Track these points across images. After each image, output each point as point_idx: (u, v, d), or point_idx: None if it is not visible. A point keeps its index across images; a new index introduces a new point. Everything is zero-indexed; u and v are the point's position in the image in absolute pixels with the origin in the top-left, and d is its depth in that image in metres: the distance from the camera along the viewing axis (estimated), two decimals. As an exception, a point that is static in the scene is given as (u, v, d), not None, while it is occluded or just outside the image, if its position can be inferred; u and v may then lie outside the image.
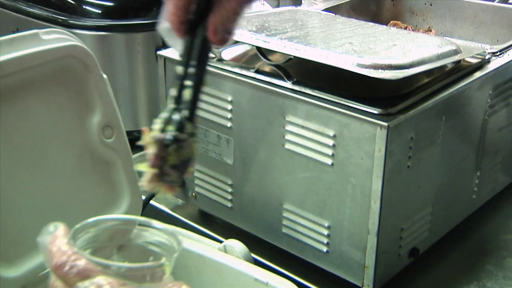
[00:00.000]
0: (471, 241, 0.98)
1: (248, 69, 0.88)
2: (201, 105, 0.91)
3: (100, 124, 0.75)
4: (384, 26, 1.07)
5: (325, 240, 0.84)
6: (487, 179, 0.99)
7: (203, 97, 0.90)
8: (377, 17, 1.25)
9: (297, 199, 0.86)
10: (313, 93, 0.81)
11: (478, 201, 0.99)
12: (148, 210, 0.95)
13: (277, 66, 0.87)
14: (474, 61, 0.91)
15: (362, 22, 1.00)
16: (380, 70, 0.77)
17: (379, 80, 0.77)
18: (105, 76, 0.76)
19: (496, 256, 0.94)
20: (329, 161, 0.80)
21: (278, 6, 1.66)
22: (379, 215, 0.77)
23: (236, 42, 0.92)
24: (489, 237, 0.98)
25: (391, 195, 0.78)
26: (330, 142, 0.79)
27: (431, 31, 1.22)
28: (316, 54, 0.81)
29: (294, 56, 0.84)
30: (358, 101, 0.78)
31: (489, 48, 0.95)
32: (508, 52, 0.95)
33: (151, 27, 1.16)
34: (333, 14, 1.06)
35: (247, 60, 0.93)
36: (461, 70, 0.89)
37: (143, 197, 0.92)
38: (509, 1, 1.25)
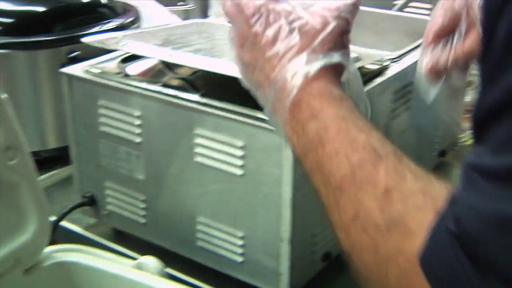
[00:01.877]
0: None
1: (155, 83, 0.87)
2: (109, 121, 0.90)
3: (2, 146, 0.73)
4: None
5: (240, 250, 0.85)
6: (393, 180, 1.03)
7: (110, 113, 0.90)
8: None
9: (210, 211, 0.86)
10: (220, 105, 0.81)
11: (386, 202, 1.03)
12: (59, 231, 0.93)
13: (184, 79, 0.87)
14: (374, 67, 0.94)
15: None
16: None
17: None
18: (4, 96, 0.73)
19: (405, 254, 0.97)
20: (239, 171, 0.81)
21: (187, 18, 1.66)
22: (291, 223, 0.79)
23: (142, 57, 0.92)
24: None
25: (302, 202, 0.80)
26: (239, 153, 0.80)
27: (335, 39, 1.26)
28: (222, 66, 0.82)
29: (200, 69, 0.84)
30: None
31: (388, 55, 0.98)
32: (406, 58, 0.99)
33: (55, 43, 1.13)
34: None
35: (154, 74, 0.93)
36: (362, 76, 0.92)
37: (53, 218, 0.90)
38: (405, 10, 1.31)
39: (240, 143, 0.80)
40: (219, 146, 0.82)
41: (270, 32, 0.53)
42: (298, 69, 0.52)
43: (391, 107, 0.95)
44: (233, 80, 0.81)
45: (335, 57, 0.53)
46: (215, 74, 0.82)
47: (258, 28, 0.54)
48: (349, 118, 0.50)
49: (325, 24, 0.54)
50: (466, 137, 1.23)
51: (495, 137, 0.37)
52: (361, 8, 1.33)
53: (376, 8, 1.30)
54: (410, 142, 1.05)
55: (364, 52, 0.96)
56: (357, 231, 0.45)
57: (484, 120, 0.38)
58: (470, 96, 1.23)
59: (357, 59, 0.89)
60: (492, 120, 0.37)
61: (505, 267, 0.36)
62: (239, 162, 0.80)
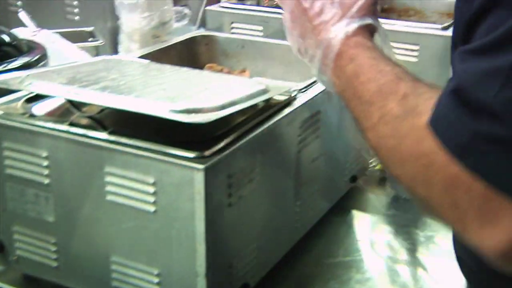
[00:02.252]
0: (298, 268, 1.02)
1: (62, 123, 0.86)
2: (14, 163, 0.88)
3: None
4: (197, 70, 1.11)
5: (156, 288, 0.83)
6: (307, 208, 1.05)
7: (16, 155, 0.87)
8: (193, 61, 1.29)
9: (124, 250, 0.85)
10: (130, 142, 0.81)
11: (301, 229, 1.05)
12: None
13: (92, 117, 0.86)
14: (282, 98, 0.96)
15: (176, 67, 1.02)
16: (192, 114, 0.79)
17: (194, 124, 0.79)
18: None
19: (321, 279, 0.99)
20: (152, 208, 0.80)
21: (97, 55, 1.64)
22: (206, 257, 0.79)
23: (47, 96, 0.90)
24: (314, 262, 1.04)
25: (216, 235, 0.80)
26: (151, 189, 0.79)
27: (245, 71, 1.28)
28: (129, 102, 0.81)
29: (107, 107, 0.83)
30: (175, 146, 0.79)
31: (295, 86, 1.01)
32: (312, 88, 1.02)
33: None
34: (148, 61, 1.07)
35: (61, 113, 0.91)
36: (271, 107, 0.94)
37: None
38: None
39: (151, 180, 0.79)
40: (130, 184, 0.81)
41: (316, 6, 0.71)
42: (340, 30, 0.69)
43: (301, 137, 0.98)
44: (142, 117, 0.81)
45: (368, 20, 0.70)
46: (123, 111, 0.81)
47: (306, 5, 0.72)
48: (378, 58, 0.66)
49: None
50: (376, 162, 1.28)
51: (479, 32, 0.54)
52: (270, 40, 1.37)
53: (283, 41, 1.33)
54: (321, 170, 1.07)
55: (272, 83, 0.99)
56: (382, 127, 0.60)
57: (469, 25, 0.55)
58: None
59: (265, 91, 0.91)
60: (474, 23, 0.54)
61: (490, 106, 0.49)
62: (151, 199, 0.80)
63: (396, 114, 0.58)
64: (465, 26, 0.57)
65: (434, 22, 1.49)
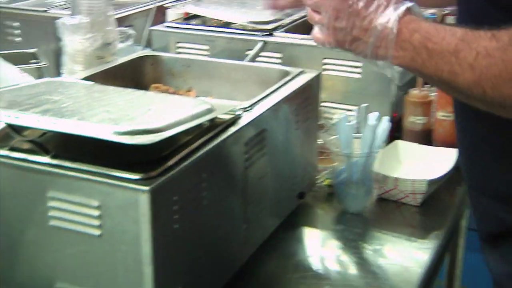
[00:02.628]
0: (251, 285, 1.02)
1: (2, 148, 0.84)
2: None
3: None
4: (142, 91, 1.10)
5: (103, 313, 0.82)
6: (256, 225, 1.05)
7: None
8: (139, 82, 1.28)
9: (69, 275, 0.83)
10: (72, 166, 0.80)
11: (251, 247, 1.05)
12: None
13: (33, 141, 0.85)
14: (228, 117, 0.97)
15: (120, 88, 1.01)
16: (137, 136, 0.79)
17: (138, 145, 0.78)
18: None
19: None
20: (96, 232, 0.79)
21: (40, 77, 1.61)
22: (153, 279, 0.78)
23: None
24: (266, 279, 1.04)
25: (163, 257, 0.79)
26: (96, 213, 0.78)
27: (191, 91, 1.28)
28: (71, 125, 0.80)
29: (49, 130, 0.82)
30: (119, 168, 0.78)
31: (240, 104, 1.02)
32: (258, 106, 1.03)
33: None
34: (91, 83, 1.06)
35: (1, 138, 0.89)
36: (217, 127, 0.94)
37: None
38: (256, 60, 1.36)
39: (95, 203, 0.78)
40: (74, 208, 0.79)
41: (362, 1, 0.83)
42: (391, 14, 0.82)
43: (247, 155, 0.98)
44: (85, 140, 0.80)
45: (409, 4, 0.83)
46: (66, 134, 0.80)
47: (351, 1, 0.84)
48: (437, 24, 0.81)
49: None
50: (323, 178, 1.29)
51: None
52: (215, 60, 1.38)
53: (229, 60, 1.34)
54: (269, 187, 1.08)
55: (217, 103, 0.99)
56: (482, 60, 0.74)
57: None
58: (322, 139, 1.29)
59: (210, 110, 0.91)
60: None
61: None
62: (96, 222, 0.79)
63: (496, 46, 0.74)
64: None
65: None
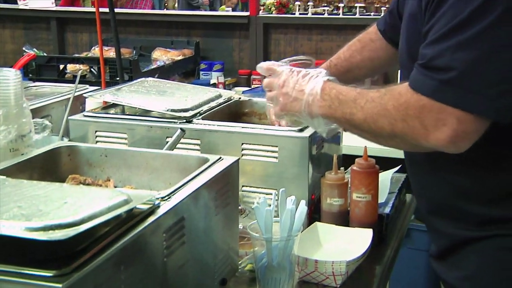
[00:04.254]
0: None
1: None
2: None
3: None
4: (58, 183, 1.09)
5: None
6: (178, 316, 1.03)
7: None
8: (55, 173, 1.26)
9: None
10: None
11: None
12: None
13: None
14: (145, 207, 0.97)
15: (35, 182, 1.00)
16: (50, 231, 0.77)
17: (51, 241, 0.76)
18: None
19: None
20: (7, 334, 0.75)
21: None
22: None
23: None
24: None
25: None
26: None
27: (109, 180, 1.27)
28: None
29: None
30: (31, 266, 0.76)
31: (158, 194, 1.02)
32: (176, 195, 1.04)
33: None
34: (3, 177, 1.04)
35: None
36: (135, 217, 0.94)
37: None
38: (176, 147, 1.37)
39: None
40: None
41: (300, 74, 1.23)
42: (318, 81, 1.20)
43: (165, 244, 0.98)
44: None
45: (329, 76, 1.21)
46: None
47: (294, 75, 1.24)
48: (348, 86, 1.18)
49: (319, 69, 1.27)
50: (245, 263, 1.29)
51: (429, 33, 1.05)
52: (133, 149, 1.38)
53: (148, 148, 1.35)
54: (189, 275, 1.07)
55: (134, 193, 0.99)
56: (369, 104, 1.10)
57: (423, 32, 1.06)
58: (241, 224, 1.30)
59: (127, 201, 0.91)
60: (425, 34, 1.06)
61: (445, 66, 0.99)
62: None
63: (377, 95, 1.10)
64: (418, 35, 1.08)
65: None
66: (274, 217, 1.21)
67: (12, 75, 1.27)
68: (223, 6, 6.92)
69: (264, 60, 3.72)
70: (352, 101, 1.12)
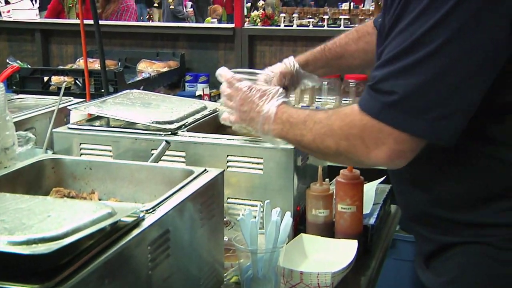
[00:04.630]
0: None
1: None
2: None
3: None
4: (41, 197, 1.08)
5: None
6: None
7: None
8: (39, 186, 1.25)
9: None
10: (-36, 280, 0.76)
11: None
12: None
13: None
14: (130, 220, 0.96)
15: (18, 195, 1.00)
16: (33, 245, 0.77)
17: (34, 255, 0.76)
18: None
19: None
20: None
21: None
22: None
23: None
24: None
25: None
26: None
27: (94, 193, 1.26)
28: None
29: None
30: (14, 280, 0.76)
31: (143, 206, 1.01)
32: (161, 207, 1.03)
33: None
34: (-14, 191, 1.03)
35: None
36: (119, 230, 0.93)
37: None
38: (161, 159, 1.37)
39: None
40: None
41: (257, 95, 1.29)
42: (272, 103, 1.27)
43: (150, 257, 0.97)
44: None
45: (284, 99, 1.28)
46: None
47: (251, 95, 1.30)
48: (298, 109, 1.27)
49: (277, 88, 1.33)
50: (230, 275, 1.29)
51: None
52: (118, 161, 1.37)
53: (133, 161, 1.35)
54: (176, 287, 1.07)
55: (118, 206, 0.99)
56: (317, 126, 1.15)
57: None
58: (227, 236, 1.30)
59: (111, 214, 0.91)
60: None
61: (389, 90, 1.03)
62: None
63: (325, 116, 1.16)
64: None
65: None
66: (260, 229, 1.21)
67: (-5, 87, 1.27)
68: (209, 18, 6.94)
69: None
70: (302, 123, 1.18)
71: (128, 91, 1.85)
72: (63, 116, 1.79)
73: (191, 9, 7.56)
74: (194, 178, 1.18)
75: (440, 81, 1.00)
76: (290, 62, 1.53)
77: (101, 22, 2.61)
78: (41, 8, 4.57)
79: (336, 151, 1.12)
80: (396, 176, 1.23)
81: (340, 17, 3.61)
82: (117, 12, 4.71)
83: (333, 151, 1.13)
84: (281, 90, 1.30)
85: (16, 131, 1.34)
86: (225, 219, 1.37)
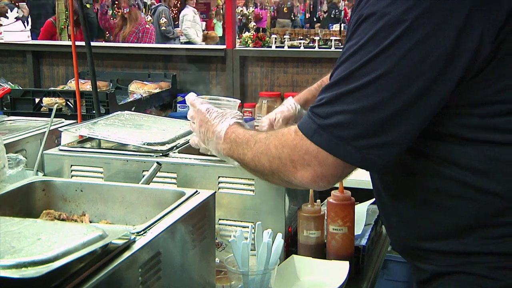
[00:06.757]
0: None
1: None
2: None
3: None
4: (31, 219, 1.07)
5: None
6: None
7: None
8: (30, 209, 1.25)
9: None
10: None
11: None
12: None
13: None
14: (121, 242, 0.96)
15: (8, 218, 0.99)
16: (23, 268, 0.76)
17: (24, 279, 0.75)
18: None
19: None
20: None
21: None
22: None
23: None
24: None
25: None
26: None
27: (85, 215, 1.26)
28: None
29: None
30: (3, 304, 0.75)
31: (134, 228, 1.01)
32: (152, 229, 1.03)
33: None
34: (-23, 213, 1.03)
35: None
36: (110, 253, 0.93)
37: None
38: (152, 181, 1.37)
39: None
40: None
41: (213, 116, 1.34)
42: (224, 124, 1.30)
43: (141, 279, 0.97)
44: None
45: (237, 120, 1.31)
46: None
47: (208, 116, 1.34)
48: (246, 130, 1.28)
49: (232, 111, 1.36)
50: (222, 297, 1.28)
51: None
52: (109, 183, 1.37)
53: (124, 183, 1.34)
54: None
55: (109, 228, 0.98)
56: (257, 145, 1.19)
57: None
58: (218, 258, 1.29)
59: (102, 237, 0.90)
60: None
61: (324, 114, 1.06)
62: None
63: (264, 136, 1.19)
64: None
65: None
66: (251, 250, 1.21)
67: (-14, 109, 1.27)
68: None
69: (241, 93, 3.75)
70: (245, 143, 1.23)
71: (119, 112, 1.86)
72: (54, 137, 1.79)
73: (179, 28, 7.63)
74: (186, 199, 1.18)
75: (371, 113, 1.02)
76: (291, 105, 1.55)
77: (92, 43, 2.61)
78: (33, 29, 4.58)
79: (269, 169, 1.15)
80: (383, 209, 1.23)
81: (331, 38, 3.64)
82: (136, 33, 4.73)
83: (268, 170, 1.16)
84: (239, 113, 1.34)
85: (7, 153, 1.34)
86: (216, 241, 1.36)
